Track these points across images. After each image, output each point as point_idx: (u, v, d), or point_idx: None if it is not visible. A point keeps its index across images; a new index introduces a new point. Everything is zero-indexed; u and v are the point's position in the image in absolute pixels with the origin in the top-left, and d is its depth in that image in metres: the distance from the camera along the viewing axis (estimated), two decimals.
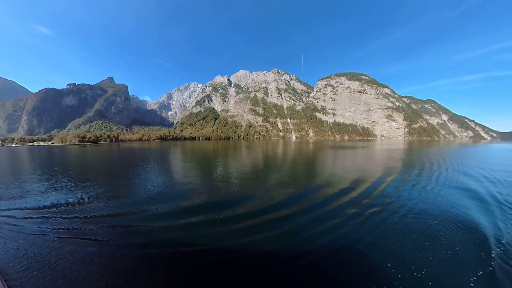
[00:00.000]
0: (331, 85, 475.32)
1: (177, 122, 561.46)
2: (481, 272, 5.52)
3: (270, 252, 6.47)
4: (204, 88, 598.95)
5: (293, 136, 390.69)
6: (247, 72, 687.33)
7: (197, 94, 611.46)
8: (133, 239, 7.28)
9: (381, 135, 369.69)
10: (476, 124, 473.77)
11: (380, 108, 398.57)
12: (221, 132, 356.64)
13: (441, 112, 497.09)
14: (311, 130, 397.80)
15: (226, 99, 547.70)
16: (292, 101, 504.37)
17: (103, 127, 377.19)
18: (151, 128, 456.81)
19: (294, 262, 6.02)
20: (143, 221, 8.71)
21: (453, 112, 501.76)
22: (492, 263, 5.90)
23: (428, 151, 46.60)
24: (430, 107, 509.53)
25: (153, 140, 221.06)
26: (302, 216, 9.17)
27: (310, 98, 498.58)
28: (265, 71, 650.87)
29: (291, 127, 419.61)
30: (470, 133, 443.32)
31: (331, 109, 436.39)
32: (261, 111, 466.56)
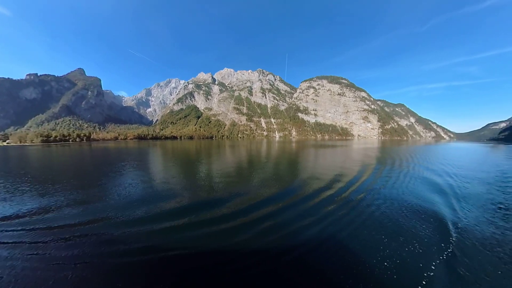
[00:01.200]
0: (313, 87, 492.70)
1: (157, 120, 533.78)
2: (443, 255, 6.29)
3: (256, 250, 6.46)
4: (186, 85, 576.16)
5: (277, 135, 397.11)
6: (232, 70, 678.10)
7: (179, 91, 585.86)
8: (109, 248, 6.66)
9: (358, 135, 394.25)
10: (438, 126, 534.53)
11: (357, 110, 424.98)
12: (204, 131, 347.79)
13: (409, 115, 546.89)
14: (294, 129, 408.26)
15: (209, 97, 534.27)
16: (276, 101, 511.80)
17: (71, 125, 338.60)
18: (128, 127, 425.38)
19: (280, 258, 6.11)
20: (120, 228, 8.06)
21: (419, 115, 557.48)
22: (452, 246, 6.81)
23: (398, 150, 52.60)
24: (400, 110, 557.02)
25: (130, 139, 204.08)
26: (286, 213, 9.44)
27: (293, 99, 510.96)
28: (249, 70, 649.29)
29: (274, 126, 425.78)
30: (433, 134, 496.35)
31: (313, 110, 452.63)
32: (245, 110, 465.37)
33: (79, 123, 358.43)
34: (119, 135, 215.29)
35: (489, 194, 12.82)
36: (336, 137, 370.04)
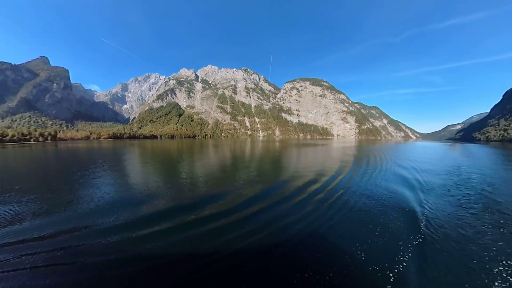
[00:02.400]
0: (297, 88, 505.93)
1: (134, 117, 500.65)
2: (414, 242, 7.01)
3: (243, 250, 6.49)
4: (167, 81, 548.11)
5: (261, 134, 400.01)
6: (216, 67, 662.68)
7: (159, 87, 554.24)
8: (84, 260, 6.04)
9: (338, 135, 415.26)
10: (406, 127, 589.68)
11: (337, 112, 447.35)
12: (186, 130, 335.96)
13: (382, 117, 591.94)
14: (277, 129, 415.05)
15: (192, 94, 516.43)
16: (260, 101, 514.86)
17: (32, 122, 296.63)
18: (101, 124, 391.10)
19: (266, 255, 6.24)
20: (95, 238, 7.24)
21: (391, 117, 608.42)
22: (421, 232, 7.65)
23: (373, 148, 56.97)
24: (375, 113, 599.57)
25: (105, 138, 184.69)
26: (271, 211, 9.64)
27: (277, 99, 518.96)
28: (234, 69, 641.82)
29: (258, 126, 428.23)
30: (402, 134, 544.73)
31: (296, 110, 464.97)
32: (229, 109, 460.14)
33: (42, 120, 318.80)
34: (91, 134, 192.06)
35: (448, 185, 14.63)
36: (318, 137, 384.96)
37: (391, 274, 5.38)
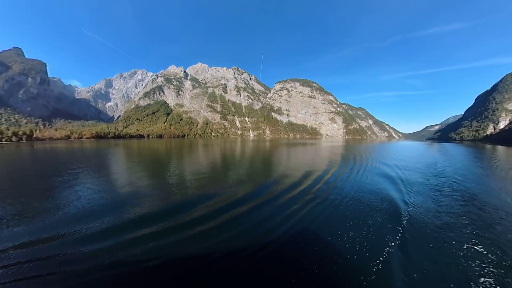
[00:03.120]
0: (287, 89, 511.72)
1: (119, 116, 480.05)
2: (397, 234, 7.49)
3: (234, 250, 6.45)
4: (155, 78, 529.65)
5: (251, 134, 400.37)
6: (206, 66, 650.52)
7: (146, 84, 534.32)
8: (64, 269, 5.64)
9: (326, 134, 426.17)
10: (390, 127, 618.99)
11: (325, 112, 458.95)
12: (175, 129, 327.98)
13: (368, 118, 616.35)
14: (267, 128, 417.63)
15: (181, 92, 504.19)
16: (251, 100, 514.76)
17: (4, 120, 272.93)
18: (83, 123, 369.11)
19: (258, 254, 6.26)
20: (75, 246, 6.75)
21: (376, 118, 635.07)
22: (402, 227, 8.10)
23: (360, 147, 59.50)
24: (361, 113, 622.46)
25: (87, 138, 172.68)
26: (261, 210, 9.73)
27: (267, 99, 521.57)
28: (225, 67, 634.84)
29: (249, 125, 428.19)
30: (386, 134, 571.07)
31: (286, 110, 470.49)
32: (219, 108, 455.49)
33: (15, 118, 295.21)
34: (72, 133, 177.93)
35: (427, 180, 15.92)
36: (307, 136, 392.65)
37: (377, 263, 5.74)
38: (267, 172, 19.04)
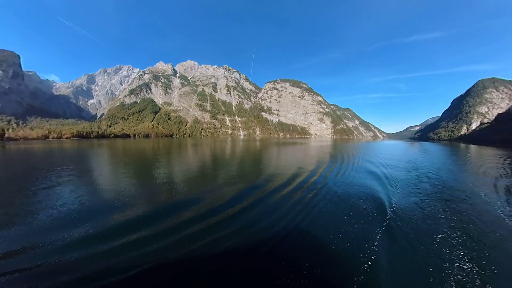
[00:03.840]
0: (277, 89, 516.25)
1: (103, 114, 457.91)
2: (382, 228, 7.92)
3: (228, 250, 6.43)
4: (141, 75, 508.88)
5: (241, 133, 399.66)
6: (196, 63, 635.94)
7: (132, 81, 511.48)
8: (48, 280, 5.18)
9: (315, 134, 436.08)
10: (375, 127, 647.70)
11: (314, 112, 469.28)
12: (163, 128, 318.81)
13: (355, 118, 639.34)
14: (258, 128, 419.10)
15: (169, 90, 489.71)
16: (241, 100, 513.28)
17: None
18: (62, 122, 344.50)
19: (253, 253, 6.29)
20: (57, 255, 6.13)
21: (362, 118, 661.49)
22: (387, 220, 8.64)
23: (347, 146, 61.87)
24: (348, 114, 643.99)
25: (67, 138, 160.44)
26: (253, 209, 9.76)
27: (257, 98, 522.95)
28: (215, 66, 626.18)
29: (239, 125, 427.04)
30: (372, 134, 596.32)
31: (276, 110, 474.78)
32: (209, 107, 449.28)
33: None
34: (50, 132, 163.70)
35: (409, 176, 17.09)
36: (297, 136, 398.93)
37: (366, 257, 6.05)
38: (258, 172, 19.13)
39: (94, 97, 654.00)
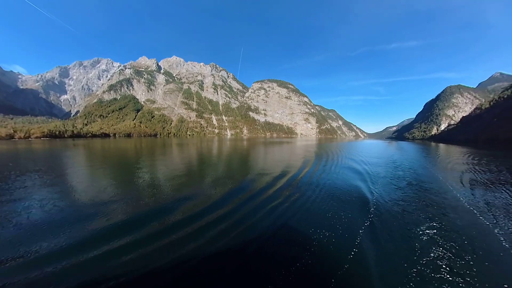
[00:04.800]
0: (264, 89, 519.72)
1: (78, 111, 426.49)
2: (366, 223, 8.25)
3: (217, 252, 6.33)
4: (122, 69, 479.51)
5: (228, 133, 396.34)
6: (182, 60, 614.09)
7: (112, 76, 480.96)
8: None
9: (301, 133, 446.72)
10: (357, 127, 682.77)
11: (300, 113, 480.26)
12: (146, 127, 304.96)
13: (338, 119, 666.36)
14: (245, 128, 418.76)
15: (152, 87, 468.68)
16: (228, 99, 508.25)
17: None
18: (29, 119, 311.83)
19: (242, 254, 6.26)
20: (26, 271, 5.42)
21: (345, 119, 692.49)
22: (371, 215, 9.05)
23: (331, 145, 64.75)
24: (332, 115, 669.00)
25: (37, 138, 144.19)
26: (241, 209, 9.69)
27: (245, 98, 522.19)
28: (202, 63, 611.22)
29: (226, 124, 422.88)
30: (354, 133, 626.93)
31: (263, 109, 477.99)
32: (195, 106, 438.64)
33: None
34: (15, 131, 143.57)
35: (388, 173, 18.42)
36: (283, 135, 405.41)
37: (351, 250, 6.38)
38: (246, 171, 19.01)
39: (68, 92, 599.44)
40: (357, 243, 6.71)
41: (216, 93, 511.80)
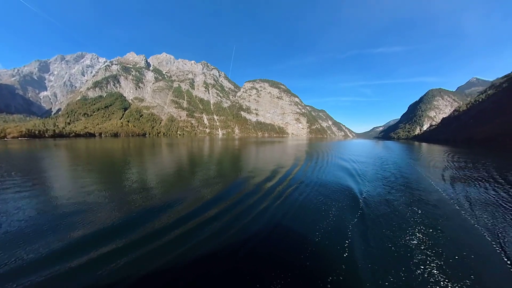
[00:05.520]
0: (256, 88, 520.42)
1: (60, 109, 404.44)
2: (356, 215, 8.87)
3: (211, 253, 6.21)
4: (109, 65, 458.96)
5: (220, 133, 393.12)
6: (172, 57, 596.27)
7: (97, 72, 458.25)
8: None
9: (292, 133, 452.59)
10: (346, 127, 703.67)
11: (291, 113, 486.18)
12: (134, 126, 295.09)
13: (328, 119, 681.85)
14: (237, 127, 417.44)
15: (141, 85, 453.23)
16: (220, 98, 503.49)
17: None
18: (5, 118, 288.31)
19: (236, 254, 6.18)
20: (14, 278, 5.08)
21: (334, 119, 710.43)
22: (360, 208, 9.74)
23: (321, 144, 67.20)
24: (322, 115, 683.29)
25: (14, 138, 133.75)
26: (234, 209, 9.59)
27: (236, 97, 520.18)
28: (193, 61, 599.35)
29: (217, 123, 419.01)
30: (343, 133, 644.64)
31: (255, 109, 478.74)
32: (185, 105, 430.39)
33: None
34: None
35: (376, 170, 19.53)
36: (275, 135, 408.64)
37: (343, 246, 6.55)
38: (238, 172, 18.89)
39: (48, 88, 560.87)
40: (348, 242, 6.76)
41: (207, 92, 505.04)
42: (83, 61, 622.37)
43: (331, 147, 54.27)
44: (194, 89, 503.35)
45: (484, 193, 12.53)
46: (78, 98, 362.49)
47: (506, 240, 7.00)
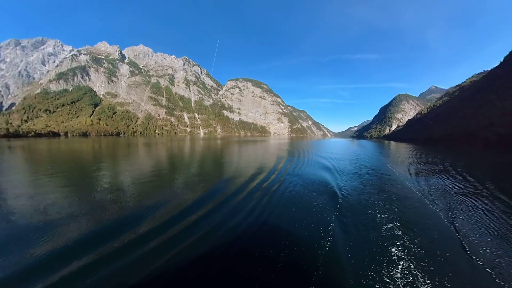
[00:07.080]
0: (239, 87, 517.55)
1: (14, 104, 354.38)
2: (335, 212, 9.26)
3: (199, 256, 6.10)
4: (76, 55, 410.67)
5: (202, 132, 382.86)
6: (150, 50, 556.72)
7: (62, 61, 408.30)
8: None
9: (274, 132, 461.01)
10: (324, 127, 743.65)
11: (274, 112, 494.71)
12: (107, 125, 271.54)
13: (308, 119, 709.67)
14: (219, 126, 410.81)
15: (114, 78, 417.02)
16: (201, 96, 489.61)
17: None
18: None
19: (225, 255, 6.19)
20: None
21: (314, 119, 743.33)
22: (339, 203, 10.27)
23: (302, 143, 70.90)
24: (303, 115, 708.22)
25: None
26: (219, 210, 9.43)
27: (219, 96, 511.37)
28: (173, 56, 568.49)
29: (199, 122, 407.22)
30: (322, 132, 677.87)
31: (237, 108, 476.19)
32: (164, 102, 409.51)
33: None
34: None
35: (352, 166, 21.51)
36: (257, 134, 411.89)
37: (326, 237, 7.04)
38: (220, 172, 18.76)
39: None
40: (330, 234, 7.25)
41: (188, 89, 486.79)
42: (43, 48, 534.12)
43: (311, 145, 56.97)
44: (174, 85, 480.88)
45: (442, 183, 14.60)
46: (38, 91, 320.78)
47: (457, 220, 8.64)
